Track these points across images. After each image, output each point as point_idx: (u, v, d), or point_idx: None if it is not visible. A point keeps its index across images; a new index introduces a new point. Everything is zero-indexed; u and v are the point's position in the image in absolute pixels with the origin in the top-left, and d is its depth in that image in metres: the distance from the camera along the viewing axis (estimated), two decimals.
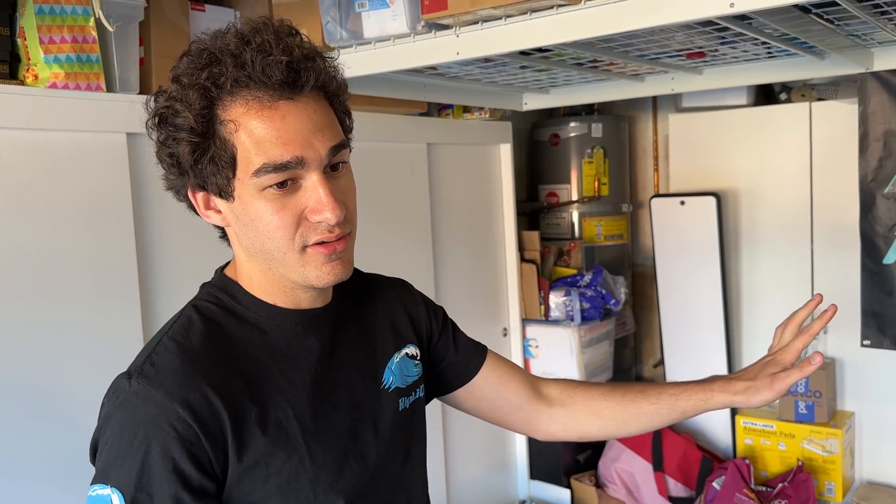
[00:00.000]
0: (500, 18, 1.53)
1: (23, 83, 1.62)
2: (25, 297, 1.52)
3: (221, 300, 0.98)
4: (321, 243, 0.90)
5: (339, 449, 0.97)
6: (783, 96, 2.80)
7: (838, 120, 2.60)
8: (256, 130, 0.86)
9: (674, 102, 3.07)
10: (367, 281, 1.17)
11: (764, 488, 2.61)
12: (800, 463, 2.59)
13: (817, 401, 2.61)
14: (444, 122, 2.62)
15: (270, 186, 0.87)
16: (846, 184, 2.47)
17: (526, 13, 1.50)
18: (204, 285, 1.01)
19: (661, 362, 3.07)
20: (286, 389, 0.94)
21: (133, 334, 1.67)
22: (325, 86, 0.91)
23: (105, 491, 0.85)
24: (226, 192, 0.90)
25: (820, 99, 2.69)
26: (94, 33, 1.65)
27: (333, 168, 0.91)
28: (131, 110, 1.67)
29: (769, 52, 2.07)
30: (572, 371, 2.82)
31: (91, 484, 0.88)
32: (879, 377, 2.63)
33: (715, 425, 2.91)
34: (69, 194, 1.59)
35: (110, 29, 1.64)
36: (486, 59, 1.97)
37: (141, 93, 1.84)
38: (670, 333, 2.98)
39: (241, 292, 0.98)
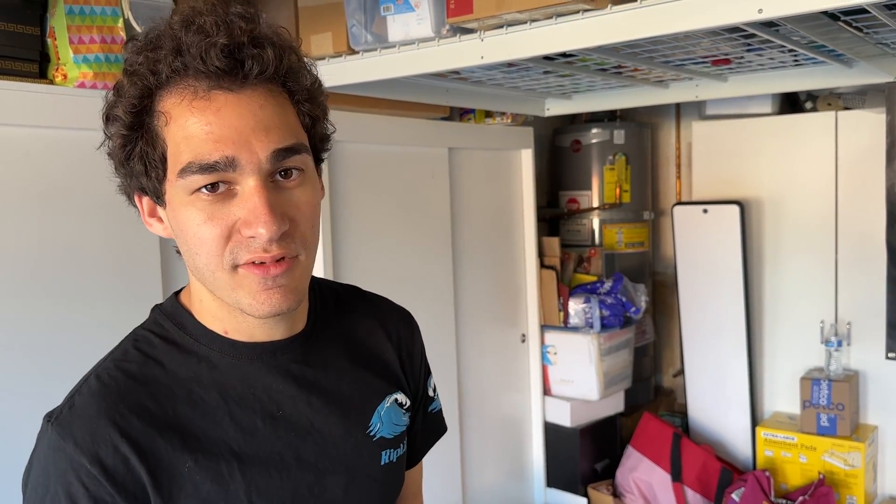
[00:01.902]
0: (526, 23, 1.53)
1: (52, 82, 1.64)
2: (50, 296, 1.54)
3: (166, 330, 0.85)
4: (255, 264, 0.77)
5: None
6: (808, 105, 2.77)
7: (865, 129, 2.57)
8: (187, 124, 0.74)
9: (697, 110, 3.05)
10: (367, 302, 1.01)
11: (784, 501, 2.57)
12: (821, 476, 2.56)
13: (840, 413, 2.57)
14: (466, 126, 2.62)
15: (199, 190, 0.75)
16: (872, 194, 2.45)
17: (551, 17, 1.49)
18: (154, 309, 0.89)
19: (681, 372, 3.04)
20: (233, 438, 0.81)
21: None
22: (284, 80, 0.79)
23: None
24: (158, 196, 0.79)
25: (846, 108, 2.67)
26: (123, 34, 1.67)
27: (284, 176, 0.78)
28: None
29: (795, 60, 2.05)
30: (591, 379, 2.80)
31: None
32: None
33: (735, 436, 2.88)
34: (95, 193, 1.60)
35: (139, 30, 1.65)
36: (510, 64, 1.97)
37: None
38: (691, 343, 2.95)
39: (189, 321, 0.85)
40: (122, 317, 1.64)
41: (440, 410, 1.09)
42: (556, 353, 2.89)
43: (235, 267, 0.77)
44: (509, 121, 2.70)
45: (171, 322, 0.86)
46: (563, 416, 2.85)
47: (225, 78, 0.75)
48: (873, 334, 2.47)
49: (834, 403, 2.58)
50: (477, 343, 2.63)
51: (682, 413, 3.08)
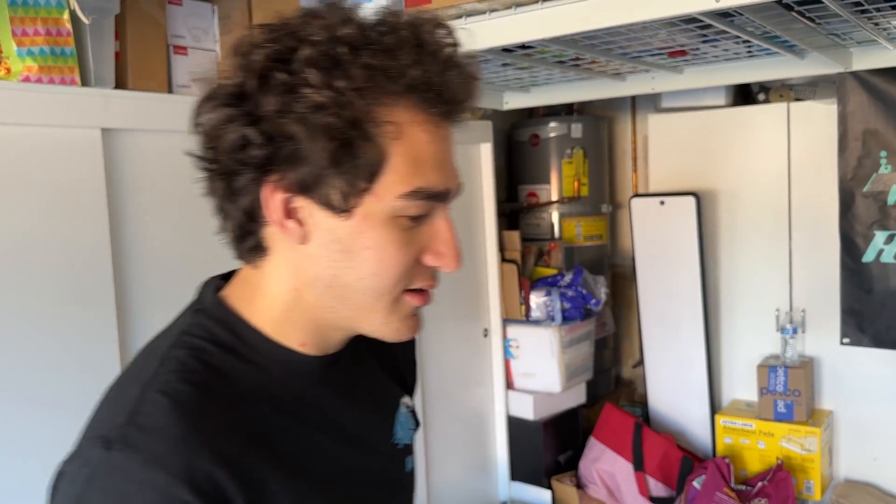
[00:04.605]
0: (485, 13, 1.52)
1: None
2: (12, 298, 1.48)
3: (218, 338, 0.76)
4: (418, 291, 0.76)
5: None
6: (761, 97, 2.82)
7: (816, 120, 2.62)
8: (420, 146, 0.70)
9: (653, 103, 3.08)
10: None
11: (744, 487, 2.61)
12: (779, 461, 2.60)
13: (796, 399, 2.62)
14: None
15: (406, 216, 0.71)
16: (824, 183, 2.49)
17: (511, 7, 1.48)
18: (196, 313, 0.78)
19: (641, 363, 3.07)
20: (303, 451, 0.76)
21: (107, 341, 1.63)
22: None
23: None
24: (343, 206, 0.69)
25: (798, 99, 2.72)
26: (69, 26, 1.61)
27: None
28: (106, 105, 1.64)
29: (749, 52, 2.08)
30: (553, 371, 2.81)
31: None
32: (857, 375, 2.65)
33: (695, 425, 2.91)
34: (41, 191, 1.54)
35: (86, 21, 1.60)
36: None
37: (117, 87, 1.80)
38: (650, 334, 2.98)
39: (246, 329, 0.76)
40: (72, 321, 1.59)
41: None
42: (518, 347, 2.89)
43: (401, 293, 0.74)
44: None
45: (223, 329, 0.76)
46: (526, 410, 2.86)
47: (455, 110, 0.72)
48: (827, 321, 2.52)
49: (790, 390, 2.63)
50: (439, 338, 2.62)
51: (643, 403, 3.11)
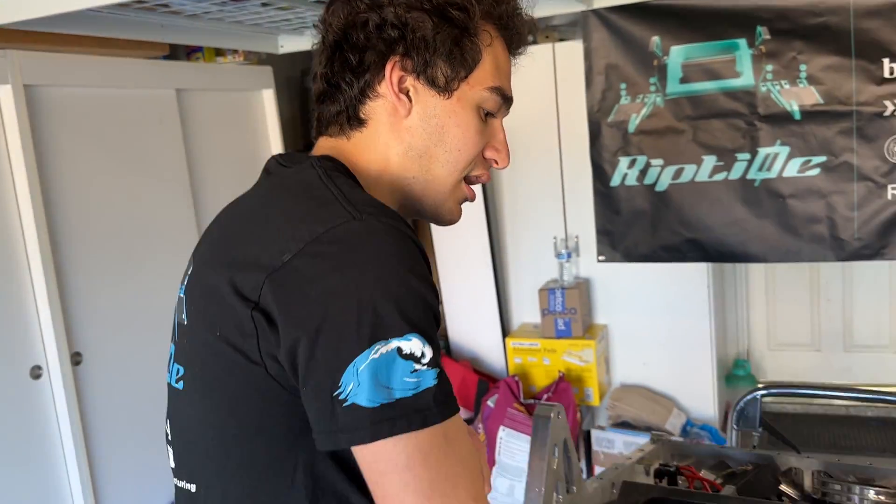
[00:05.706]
0: None
1: None
2: None
3: (349, 174, 0.89)
4: (472, 182, 0.96)
5: None
6: (531, 38, 2.97)
7: (576, 58, 2.80)
8: (500, 57, 0.92)
9: None
10: None
11: (532, 401, 2.84)
12: (560, 374, 2.85)
13: (573, 317, 2.87)
14: (194, 66, 2.53)
15: (483, 109, 0.91)
16: (571, 117, 2.68)
17: None
18: (320, 159, 0.88)
19: (439, 301, 3.21)
20: None
21: None
22: None
23: (385, 347, 0.72)
24: (446, 87, 0.89)
25: (562, 39, 2.89)
26: None
27: None
28: None
29: None
30: None
31: (352, 359, 0.71)
32: (624, 291, 2.94)
33: (489, 350, 3.11)
34: None
35: None
36: None
37: None
38: (446, 270, 3.12)
39: (356, 183, 0.89)
40: None
41: None
42: None
43: (463, 178, 0.94)
44: (242, 59, 2.65)
45: (346, 170, 0.89)
46: None
47: (518, 47, 0.96)
48: (594, 243, 2.75)
49: (567, 308, 2.86)
50: None
51: (444, 336, 3.27)
